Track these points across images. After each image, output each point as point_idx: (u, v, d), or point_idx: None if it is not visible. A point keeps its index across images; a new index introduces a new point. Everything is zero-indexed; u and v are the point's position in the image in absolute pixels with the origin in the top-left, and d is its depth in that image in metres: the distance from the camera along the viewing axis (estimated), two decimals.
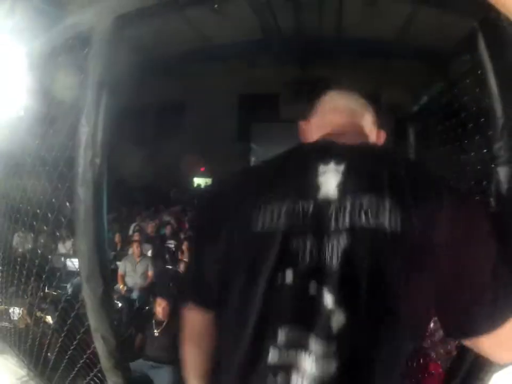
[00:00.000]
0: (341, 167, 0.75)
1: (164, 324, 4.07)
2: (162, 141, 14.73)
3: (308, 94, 13.91)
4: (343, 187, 0.74)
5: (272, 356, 0.71)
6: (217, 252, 0.80)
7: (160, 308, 4.12)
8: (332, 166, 0.76)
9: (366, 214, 0.69)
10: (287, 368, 0.70)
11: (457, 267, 0.70)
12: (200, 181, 14.91)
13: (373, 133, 0.98)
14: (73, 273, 4.44)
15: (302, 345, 0.70)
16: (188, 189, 14.37)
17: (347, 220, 0.71)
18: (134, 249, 6.06)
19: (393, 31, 11.66)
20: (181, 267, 5.83)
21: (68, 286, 4.75)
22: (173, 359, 3.88)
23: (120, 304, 5.10)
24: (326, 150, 0.81)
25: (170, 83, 14.34)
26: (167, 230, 7.86)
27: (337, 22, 11.51)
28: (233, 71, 14.21)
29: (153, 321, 4.13)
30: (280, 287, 0.72)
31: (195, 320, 0.91)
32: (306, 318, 0.70)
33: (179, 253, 6.53)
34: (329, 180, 0.74)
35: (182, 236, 7.48)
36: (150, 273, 5.90)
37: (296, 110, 13.82)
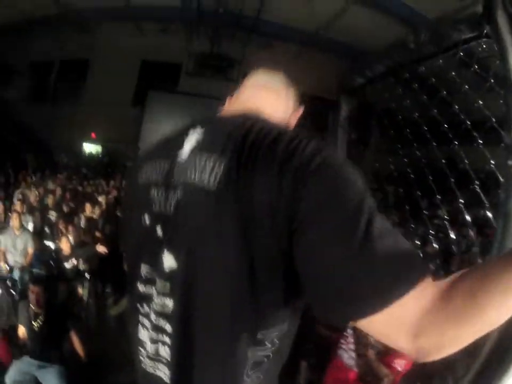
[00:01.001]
0: (202, 132, 0.82)
1: (40, 316, 3.34)
2: (58, 100, 13.79)
3: (212, 70, 13.82)
4: (194, 148, 0.80)
5: (138, 288, 0.85)
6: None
7: (33, 295, 3.35)
8: (197, 130, 0.83)
9: (195, 171, 0.75)
10: (147, 300, 0.83)
11: (308, 241, 0.65)
12: (90, 148, 13.76)
13: (286, 113, 1.03)
14: None
15: (153, 282, 0.81)
16: (77, 155, 13.21)
17: (183, 175, 0.78)
18: (13, 221, 5.17)
19: (318, 23, 11.75)
20: (62, 244, 5.12)
21: None
22: (58, 358, 3.30)
23: None
24: (203, 118, 0.89)
25: (78, 37, 13.18)
26: (49, 200, 6.92)
27: (260, 3, 11.18)
28: (143, 34, 13.37)
29: (30, 311, 3.37)
30: (143, 228, 0.84)
31: None
32: (154, 258, 0.80)
33: (60, 228, 5.74)
34: (189, 142, 0.82)
35: (65, 208, 6.70)
36: (30, 250, 5.15)
37: (196, 84, 13.62)
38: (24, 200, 6.55)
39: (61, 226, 5.62)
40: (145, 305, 0.83)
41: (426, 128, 2.38)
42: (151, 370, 0.83)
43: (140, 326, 0.85)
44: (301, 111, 1.08)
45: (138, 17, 12.22)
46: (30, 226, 5.92)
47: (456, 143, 2.10)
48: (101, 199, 7.10)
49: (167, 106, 13.75)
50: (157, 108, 13.67)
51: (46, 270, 4.79)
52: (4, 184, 8.25)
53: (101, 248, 5.07)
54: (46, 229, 6.04)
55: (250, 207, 0.68)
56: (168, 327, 0.78)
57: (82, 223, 5.92)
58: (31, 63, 13.86)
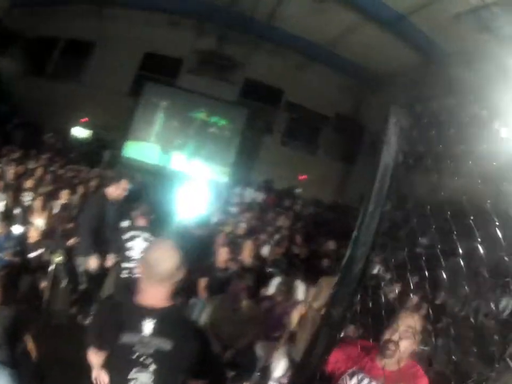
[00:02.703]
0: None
1: None
2: (57, 78, 13.44)
3: (214, 69, 13.56)
4: None
5: None
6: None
7: None
8: None
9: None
10: None
11: None
12: (79, 132, 13.26)
13: None
14: None
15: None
16: (65, 138, 12.78)
17: None
18: None
19: (327, 37, 11.49)
20: (31, 231, 4.79)
21: None
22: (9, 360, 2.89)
23: None
24: None
25: (90, 20, 12.87)
26: (28, 181, 6.54)
27: (273, 9, 10.88)
28: (153, 25, 12.94)
29: None
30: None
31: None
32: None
33: (32, 212, 5.39)
34: None
35: (41, 190, 6.30)
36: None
37: (196, 82, 13.34)
38: (1, 177, 6.18)
39: (35, 210, 5.29)
40: None
41: None
42: None
43: None
44: None
45: (151, 6, 11.92)
46: (1, 205, 5.55)
47: None
48: (79, 188, 6.75)
49: (163, 100, 13.59)
50: (152, 100, 13.46)
51: (8, 257, 4.44)
52: None
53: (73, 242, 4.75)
54: (17, 211, 5.67)
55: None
56: None
57: (57, 210, 5.59)
58: (38, 37, 13.44)
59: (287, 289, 4.48)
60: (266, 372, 3.59)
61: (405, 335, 1.76)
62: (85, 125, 13.08)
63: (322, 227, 10.12)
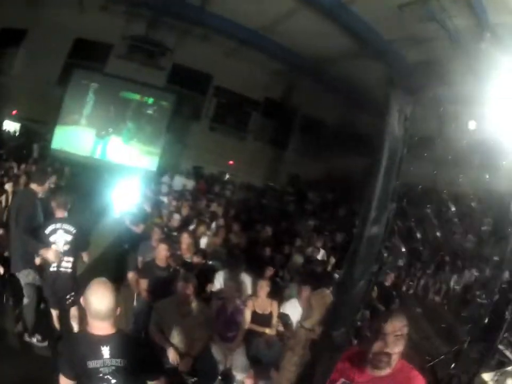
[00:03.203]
0: None
1: None
2: None
3: (143, 55, 12.89)
4: None
5: None
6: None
7: None
8: None
9: None
10: None
11: None
12: (9, 126, 12.05)
13: None
14: None
15: None
16: None
17: None
18: None
19: (262, 22, 11.10)
20: None
21: None
22: None
23: None
24: None
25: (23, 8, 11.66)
26: None
27: None
28: (83, 10, 12.05)
29: None
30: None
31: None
32: None
33: None
34: None
35: None
36: None
37: (125, 67, 12.51)
38: None
39: None
40: None
41: None
42: None
43: None
44: None
45: None
46: None
47: None
48: (8, 186, 5.82)
49: (92, 82, 12.93)
50: (82, 83, 12.73)
51: None
52: None
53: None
54: None
55: None
56: None
57: None
58: None
59: (235, 285, 4.31)
60: (227, 374, 3.43)
61: (396, 343, 1.68)
62: (15, 118, 11.97)
63: (257, 213, 10.10)
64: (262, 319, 4.18)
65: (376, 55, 10.72)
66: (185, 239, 5.33)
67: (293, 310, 4.19)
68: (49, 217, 4.08)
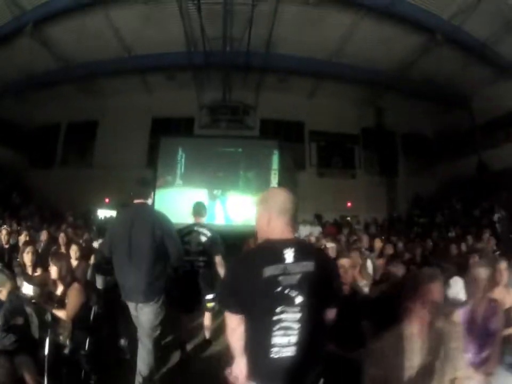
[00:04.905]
0: (294, 250, 1.64)
1: None
2: (67, 164, 13.19)
3: (227, 121, 12.60)
4: (294, 257, 1.63)
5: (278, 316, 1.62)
6: (241, 288, 1.65)
7: None
8: (290, 249, 1.64)
9: (300, 267, 1.63)
10: (282, 320, 1.62)
11: None
12: (103, 214, 12.03)
13: None
14: None
15: (287, 311, 1.62)
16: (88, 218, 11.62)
17: (297, 268, 1.62)
18: None
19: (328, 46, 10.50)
20: None
21: None
22: None
23: None
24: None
25: (84, 98, 12.52)
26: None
27: (268, 35, 9.98)
28: (149, 87, 12.49)
29: None
30: (275, 292, 1.60)
31: (232, 321, 1.72)
32: (288, 301, 1.62)
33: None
34: (288, 254, 1.63)
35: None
36: None
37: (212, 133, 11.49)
38: None
39: None
40: (281, 322, 1.60)
41: None
42: (281, 355, 1.60)
43: (276, 334, 1.60)
44: None
45: (143, 66, 11.13)
46: None
47: None
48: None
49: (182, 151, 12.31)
50: (172, 154, 12.15)
51: None
52: None
53: None
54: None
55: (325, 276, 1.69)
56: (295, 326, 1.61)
57: None
58: (36, 127, 13.16)
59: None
60: None
61: None
62: (109, 206, 11.90)
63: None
64: None
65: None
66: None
67: None
68: None
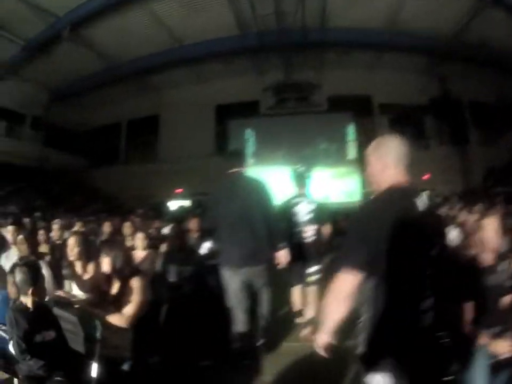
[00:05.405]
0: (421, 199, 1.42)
1: None
2: (131, 160, 13.52)
3: (293, 102, 12.50)
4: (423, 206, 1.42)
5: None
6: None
7: None
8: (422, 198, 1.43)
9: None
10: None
11: None
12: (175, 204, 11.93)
13: None
14: None
15: None
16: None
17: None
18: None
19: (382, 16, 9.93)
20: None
21: None
22: None
23: None
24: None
25: (140, 94, 12.78)
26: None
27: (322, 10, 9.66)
28: (208, 76, 12.46)
29: None
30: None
31: (349, 283, 1.33)
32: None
33: None
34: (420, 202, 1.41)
35: None
36: None
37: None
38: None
39: None
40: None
41: None
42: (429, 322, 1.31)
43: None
44: None
45: (196, 55, 11.06)
46: None
47: None
48: None
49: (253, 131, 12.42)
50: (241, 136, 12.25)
51: None
52: None
53: None
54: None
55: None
56: None
57: None
58: (94, 129, 13.62)
59: None
60: None
61: None
62: (182, 196, 11.93)
63: None
64: None
65: None
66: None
67: None
68: None
